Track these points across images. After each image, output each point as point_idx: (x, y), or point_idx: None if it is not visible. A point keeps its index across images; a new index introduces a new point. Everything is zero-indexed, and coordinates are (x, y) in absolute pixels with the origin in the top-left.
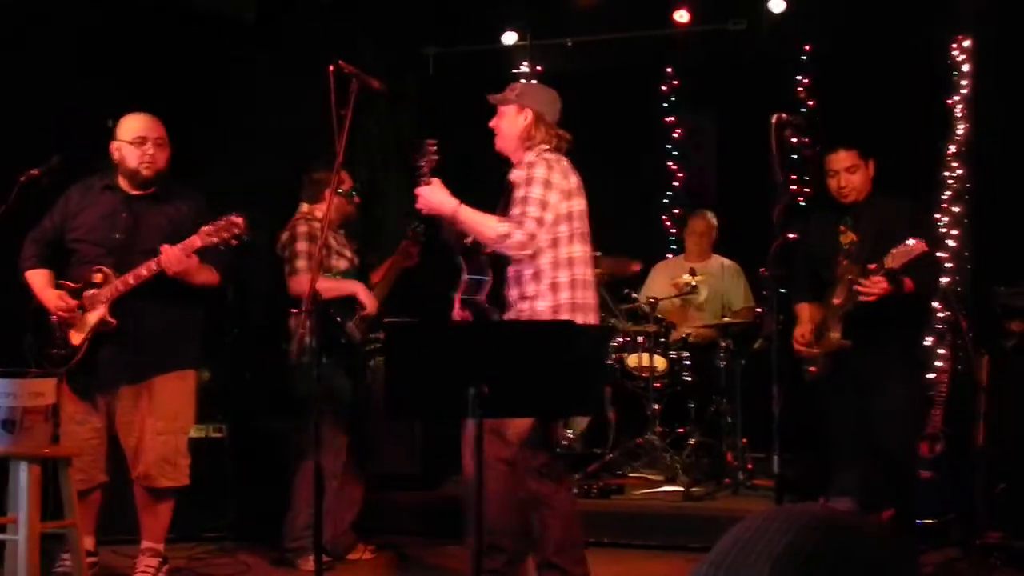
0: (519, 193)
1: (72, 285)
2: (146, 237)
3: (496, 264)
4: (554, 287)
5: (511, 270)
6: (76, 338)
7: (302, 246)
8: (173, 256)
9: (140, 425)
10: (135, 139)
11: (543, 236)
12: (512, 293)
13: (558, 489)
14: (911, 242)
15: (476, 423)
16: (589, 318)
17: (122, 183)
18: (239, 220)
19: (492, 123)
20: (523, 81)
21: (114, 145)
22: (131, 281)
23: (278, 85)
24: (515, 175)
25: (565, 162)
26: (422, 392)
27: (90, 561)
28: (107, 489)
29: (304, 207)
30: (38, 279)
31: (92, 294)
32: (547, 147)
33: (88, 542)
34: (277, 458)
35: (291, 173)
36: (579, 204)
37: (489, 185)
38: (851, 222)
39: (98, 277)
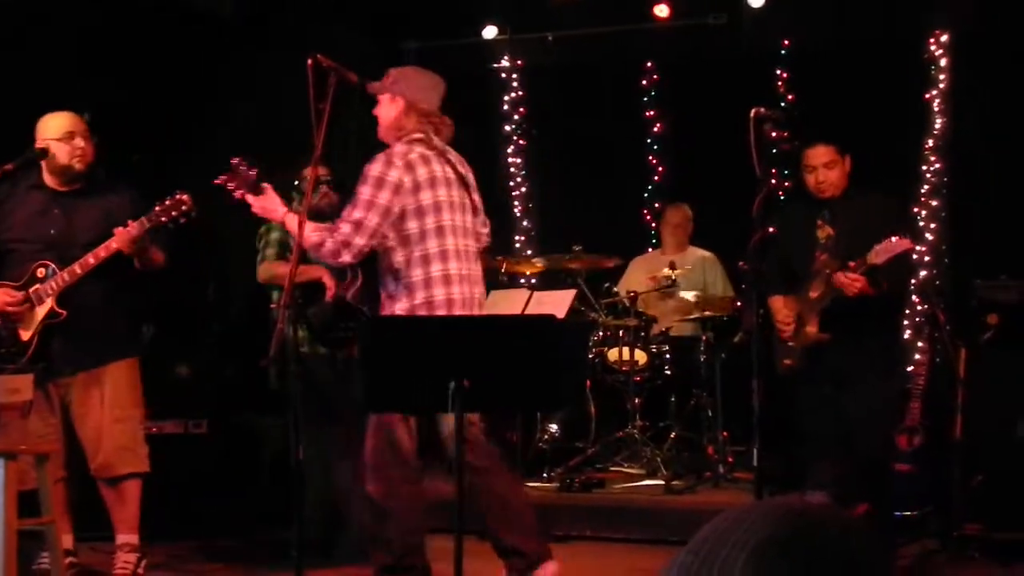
0: (357, 191)
1: (12, 284)
2: (82, 231)
3: (366, 262)
4: (409, 287)
5: (378, 266)
6: (25, 334)
7: (276, 235)
8: (126, 236)
9: (96, 414)
10: (63, 135)
11: (358, 241)
12: (381, 291)
13: (488, 474)
14: (894, 239)
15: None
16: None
17: (48, 181)
18: (186, 198)
19: (375, 110)
20: (401, 68)
21: (39, 144)
22: (78, 271)
23: (257, 80)
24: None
25: (418, 152)
26: (402, 387)
27: (69, 561)
28: (78, 486)
29: (295, 197)
30: None
31: (37, 288)
32: (418, 136)
33: (66, 540)
34: (258, 455)
35: (271, 167)
36: (432, 197)
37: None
38: (828, 216)
39: (40, 272)
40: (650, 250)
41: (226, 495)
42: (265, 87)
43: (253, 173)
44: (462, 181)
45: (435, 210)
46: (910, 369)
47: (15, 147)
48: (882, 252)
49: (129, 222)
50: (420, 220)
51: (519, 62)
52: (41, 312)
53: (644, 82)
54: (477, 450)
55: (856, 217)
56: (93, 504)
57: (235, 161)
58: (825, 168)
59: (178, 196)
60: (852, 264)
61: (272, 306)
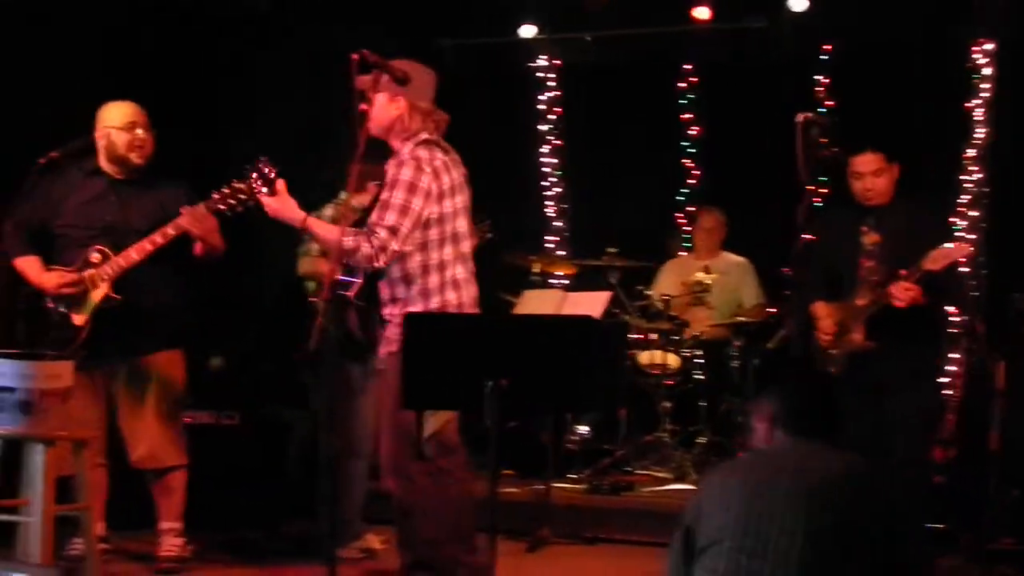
0: (383, 195)
1: (66, 269)
2: (137, 219)
3: None
4: (424, 293)
5: (389, 269)
6: (79, 319)
7: None
8: (197, 214)
9: (142, 405)
10: (125, 125)
11: (394, 246)
12: (384, 292)
13: (446, 478)
14: (950, 245)
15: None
16: None
17: (107, 168)
18: (245, 186)
19: (363, 106)
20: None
21: (100, 131)
22: (134, 256)
23: (290, 75)
24: (389, 171)
25: (440, 159)
26: (439, 384)
27: (101, 547)
28: (114, 476)
29: (342, 195)
30: (32, 265)
31: (92, 273)
32: (425, 135)
33: (99, 527)
34: (288, 447)
35: (304, 162)
36: (452, 205)
37: (506, 177)
38: (874, 222)
39: (95, 257)
40: (683, 254)
41: (256, 487)
42: (298, 83)
43: (272, 173)
44: (465, 183)
45: (453, 217)
46: (945, 381)
47: (46, 141)
48: (940, 258)
49: (185, 207)
50: (441, 227)
51: (556, 62)
52: (96, 297)
53: (682, 84)
54: (450, 455)
55: (902, 224)
56: (123, 494)
57: (261, 161)
58: (873, 176)
59: (236, 183)
60: (904, 272)
61: (312, 299)
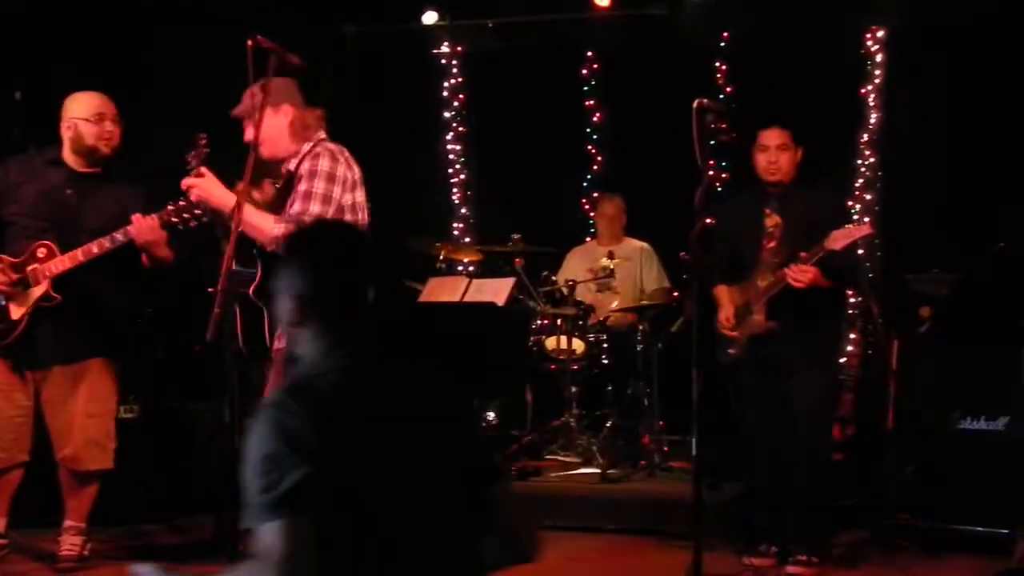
0: (301, 187)
1: (10, 260)
2: (93, 216)
3: (266, 257)
4: None
5: None
6: (16, 312)
7: None
8: (145, 226)
9: (71, 406)
10: (94, 116)
11: None
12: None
13: None
14: (850, 226)
15: None
16: None
17: (69, 159)
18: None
19: (247, 139)
20: (259, 83)
21: (65, 123)
22: (80, 257)
23: (194, 59)
24: (300, 167)
25: (347, 153)
26: None
27: (1, 543)
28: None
29: (239, 185)
30: None
31: (35, 268)
32: (323, 135)
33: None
34: (191, 440)
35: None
36: (361, 196)
37: (410, 163)
38: (776, 205)
39: (42, 252)
40: (588, 240)
41: (158, 481)
42: (201, 67)
43: (207, 151)
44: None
45: (362, 209)
46: (843, 360)
47: None
48: (841, 237)
49: (137, 216)
50: (354, 216)
51: (459, 48)
52: (36, 293)
53: (584, 71)
54: None
55: (804, 207)
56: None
57: (200, 136)
58: (778, 150)
59: (193, 199)
60: (803, 255)
61: (209, 290)
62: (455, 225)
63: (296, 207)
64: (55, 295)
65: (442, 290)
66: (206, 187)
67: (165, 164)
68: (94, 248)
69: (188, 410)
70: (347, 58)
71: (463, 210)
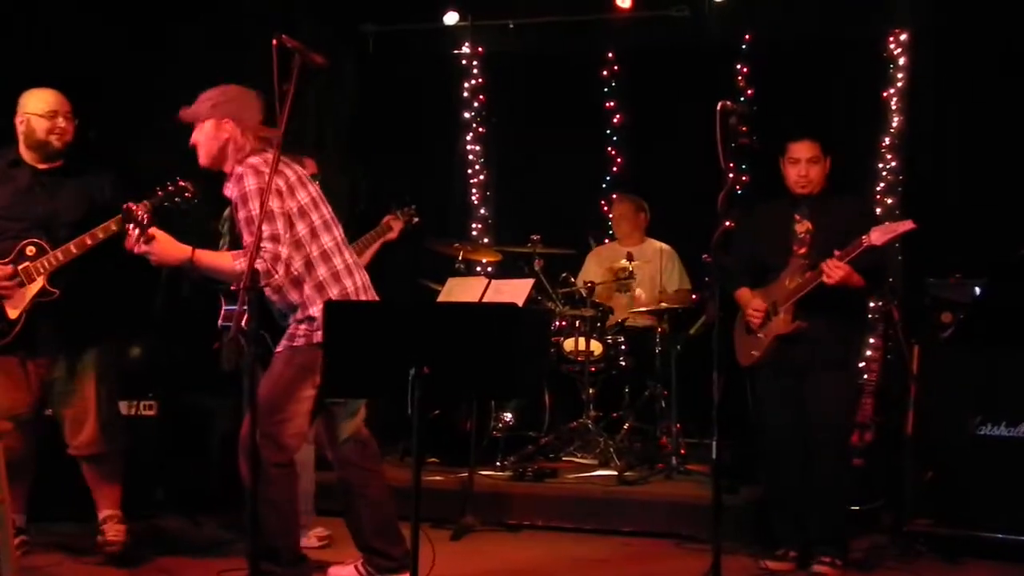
0: (241, 215)
1: (1, 262)
2: (67, 210)
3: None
4: (319, 287)
5: (270, 294)
6: (13, 312)
7: None
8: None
9: (83, 392)
10: (46, 112)
11: (283, 251)
12: (279, 305)
13: (368, 477)
14: (888, 223)
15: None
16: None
17: (26, 156)
18: (188, 184)
19: (192, 139)
20: (216, 89)
21: (19, 118)
22: (73, 251)
23: (214, 59)
24: (233, 194)
25: (271, 156)
26: (361, 372)
27: (20, 539)
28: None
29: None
30: None
31: (27, 266)
32: (256, 155)
33: (18, 519)
34: (208, 435)
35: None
36: (307, 196)
37: (430, 164)
38: (807, 212)
39: (30, 250)
40: (608, 241)
41: (176, 477)
42: (223, 67)
43: (145, 219)
44: (308, 178)
45: (313, 207)
46: (862, 365)
47: None
48: (884, 232)
49: (130, 204)
50: (305, 219)
51: (480, 49)
52: (32, 290)
53: (604, 72)
54: (366, 451)
55: (834, 214)
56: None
57: (129, 207)
58: (808, 163)
59: (180, 182)
60: (839, 253)
61: (232, 288)
62: (474, 226)
63: (246, 238)
64: (53, 289)
65: (461, 291)
66: (158, 250)
67: (188, 157)
68: (87, 240)
69: (206, 406)
70: (368, 58)
71: (482, 211)
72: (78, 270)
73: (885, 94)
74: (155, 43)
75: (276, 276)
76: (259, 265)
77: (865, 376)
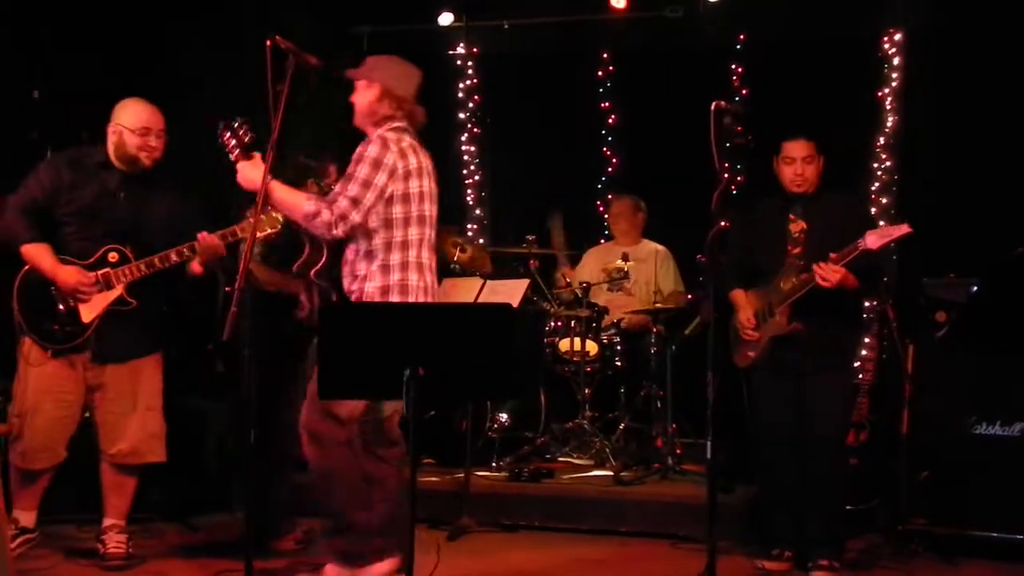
0: (349, 170)
1: (78, 262)
2: (150, 222)
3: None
4: (385, 268)
5: (348, 248)
6: (87, 315)
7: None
8: (211, 243)
9: (129, 401)
10: (139, 128)
11: (355, 216)
12: (344, 270)
13: (391, 472)
14: (883, 223)
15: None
16: (419, 300)
17: (115, 162)
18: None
19: (351, 98)
20: (379, 56)
21: (112, 127)
22: (157, 264)
23: (209, 60)
24: (357, 151)
25: (408, 141)
26: (356, 373)
27: (27, 538)
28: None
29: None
30: (44, 254)
31: (107, 272)
32: (396, 123)
33: (29, 518)
34: (203, 437)
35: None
36: (418, 187)
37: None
38: (801, 211)
39: (113, 256)
40: (603, 241)
41: (172, 479)
42: (216, 66)
43: (248, 138)
44: (433, 172)
45: (419, 199)
46: (858, 364)
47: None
48: (880, 237)
49: (204, 234)
50: (405, 206)
51: (474, 49)
52: (110, 296)
53: (599, 73)
54: (391, 445)
55: (828, 214)
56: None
57: (237, 122)
58: (804, 162)
59: (250, 220)
60: (833, 256)
61: (227, 289)
62: (469, 226)
63: (337, 187)
64: (131, 299)
65: (456, 291)
66: (244, 170)
67: (177, 160)
68: (172, 256)
69: (200, 409)
70: (362, 59)
71: (477, 211)
72: (149, 283)
73: (880, 93)
74: (155, 43)
75: (335, 231)
76: (325, 214)
77: (860, 375)
